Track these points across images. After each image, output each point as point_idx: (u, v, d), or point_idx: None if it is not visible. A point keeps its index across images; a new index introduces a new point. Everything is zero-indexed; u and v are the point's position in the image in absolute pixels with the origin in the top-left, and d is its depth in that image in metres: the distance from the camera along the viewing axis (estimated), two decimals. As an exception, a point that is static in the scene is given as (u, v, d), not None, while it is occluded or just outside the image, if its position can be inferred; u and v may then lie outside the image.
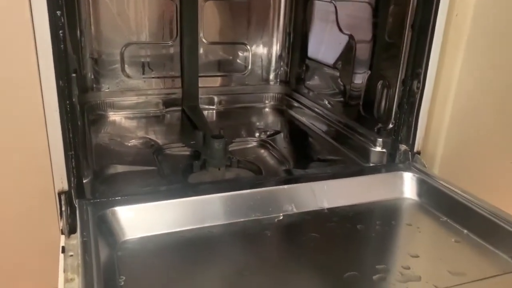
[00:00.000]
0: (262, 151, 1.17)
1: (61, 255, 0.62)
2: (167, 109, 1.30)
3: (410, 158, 0.91)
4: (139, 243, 0.66)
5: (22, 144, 0.66)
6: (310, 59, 1.30)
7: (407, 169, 0.87)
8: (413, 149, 0.91)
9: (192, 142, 1.08)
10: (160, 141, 1.12)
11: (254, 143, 1.20)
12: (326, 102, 1.22)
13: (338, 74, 1.16)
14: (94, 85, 1.24)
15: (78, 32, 1.16)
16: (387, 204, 0.82)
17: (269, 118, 1.38)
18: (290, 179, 0.82)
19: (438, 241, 0.72)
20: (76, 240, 0.63)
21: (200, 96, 1.30)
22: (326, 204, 0.78)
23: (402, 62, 0.90)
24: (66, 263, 0.60)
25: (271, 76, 1.44)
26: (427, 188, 0.83)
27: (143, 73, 1.29)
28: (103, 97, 1.24)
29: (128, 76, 1.27)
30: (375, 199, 0.82)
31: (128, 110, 1.26)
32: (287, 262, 0.66)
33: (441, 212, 0.79)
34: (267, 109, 1.43)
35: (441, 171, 0.90)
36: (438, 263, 0.65)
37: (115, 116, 1.24)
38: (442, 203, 0.79)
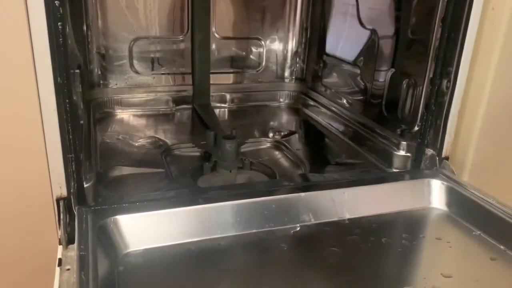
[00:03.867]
0: (276, 152, 1.12)
1: (57, 269, 0.57)
2: (177, 107, 1.25)
3: (438, 164, 0.84)
4: (143, 256, 0.61)
5: (16, 147, 0.61)
6: (328, 55, 1.24)
7: (435, 176, 0.80)
8: (441, 154, 0.84)
9: (202, 143, 1.02)
10: (169, 141, 1.07)
11: (268, 144, 1.14)
12: (345, 101, 1.16)
13: (358, 71, 1.09)
14: (101, 81, 1.19)
15: (85, 26, 1.11)
16: (414, 215, 0.75)
17: (284, 118, 1.32)
18: (308, 186, 0.76)
19: (472, 258, 0.65)
20: (74, 251, 0.58)
21: (211, 93, 1.24)
22: (347, 214, 0.72)
23: (430, 59, 0.83)
24: (62, 279, 0.55)
25: (286, 73, 1.38)
26: (457, 197, 0.76)
27: (153, 69, 1.23)
28: (110, 94, 1.19)
29: (137, 72, 1.22)
30: (400, 208, 0.75)
31: (137, 108, 1.21)
32: (305, 280, 0.59)
33: (474, 225, 0.72)
34: (281, 108, 1.37)
35: (471, 178, 0.83)
36: (473, 285, 0.59)
37: (122, 114, 1.19)
38: (474, 215, 0.72)
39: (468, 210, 0.74)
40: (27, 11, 0.55)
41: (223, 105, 1.32)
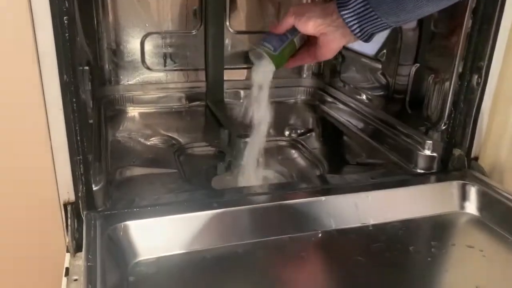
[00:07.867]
0: (293, 151, 1.08)
1: (64, 279, 0.54)
2: (190, 104, 1.20)
3: (467, 165, 0.79)
4: (155, 266, 0.57)
5: (21, 149, 0.57)
6: (347, 49, 1.18)
7: (464, 177, 0.75)
8: (470, 154, 0.79)
9: (216, 141, 0.99)
10: (182, 140, 1.04)
11: (284, 143, 1.10)
12: (364, 97, 1.10)
13: (379, 66, 1.03)
14: (113, 78, 1.15)
15: (95, 21, 1.07)
16: (443, 220, 0.70)
17: (301, 115, 1.27)
18: (328, 189, 0.71)
19: (509, 269, 0.61)
20: (82, 260, 0.55)
21: (225, 90, 1.20)
22: (371, 220, 0.67)
23: (459, 53, 0.78)
24: (69, 290, 0.52)
25: (303, 69, 1.32)
26: (489, 201, 0.71)
27: (165, 65, 1.19)
28: (122, 91, 1.15)
29: (149, 68, 1.18)
30: (428, 213, 0.70)
31: (149, 105, 1.17)
32: (327, 291, 0.55)
33: (508, 232, 0.67)
34: (298, 105, 1.31)
35: (502, 181, 0.78)
36: (513, 299, 0.54)
37: (134, 112, 1.15)
38: (508, 220, 0.68)
39: (501, 215, 0.69)
40: (30, 5, 0.51)
41: (237, 101, 1.28)
